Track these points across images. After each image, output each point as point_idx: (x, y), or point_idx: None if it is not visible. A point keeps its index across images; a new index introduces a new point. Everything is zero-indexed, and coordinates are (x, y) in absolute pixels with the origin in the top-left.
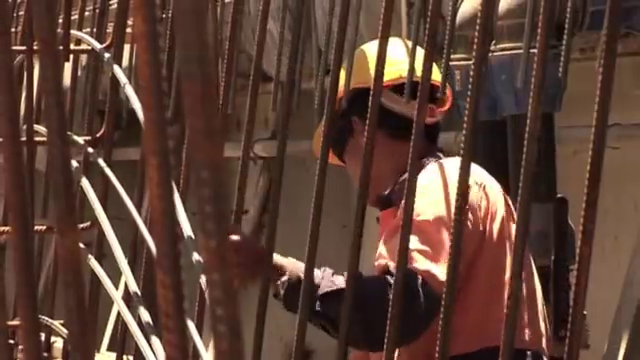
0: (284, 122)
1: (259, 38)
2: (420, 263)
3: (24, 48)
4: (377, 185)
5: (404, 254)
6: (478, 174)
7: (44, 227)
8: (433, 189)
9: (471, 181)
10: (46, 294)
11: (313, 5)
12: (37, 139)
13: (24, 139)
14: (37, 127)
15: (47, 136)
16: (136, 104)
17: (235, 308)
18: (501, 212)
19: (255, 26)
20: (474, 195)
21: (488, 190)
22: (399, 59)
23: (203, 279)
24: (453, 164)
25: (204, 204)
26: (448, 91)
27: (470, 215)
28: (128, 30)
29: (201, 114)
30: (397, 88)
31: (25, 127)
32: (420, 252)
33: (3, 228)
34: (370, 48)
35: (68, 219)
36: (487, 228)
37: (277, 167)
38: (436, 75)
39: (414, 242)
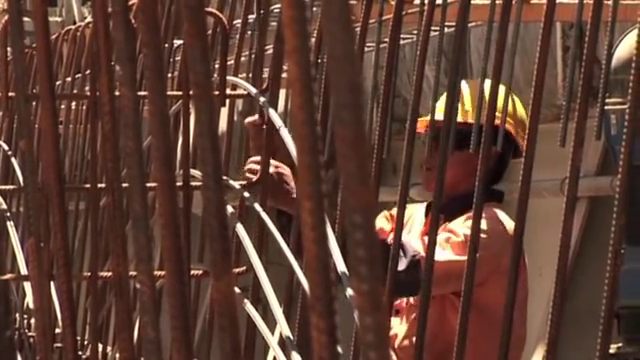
0: (441, 165)
1: (416, 83)
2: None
3: (180, 93)
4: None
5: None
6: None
7: (200, 271)
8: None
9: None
10: (203, 339)
11: (469, 49)
12: (193, 184)
13: (180, 184)
14: (194, 172)
15: (202, 180)
16: (292, 148)
17: (387, 351)
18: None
19: (410, 70)
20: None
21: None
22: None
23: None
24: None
25: (356, 248)
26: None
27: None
28: (284, 75)
29: (353, 158)
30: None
31: (182, 172)
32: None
33: (159, 272)
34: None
35: (223, 263)
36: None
37: (435, 207)
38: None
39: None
